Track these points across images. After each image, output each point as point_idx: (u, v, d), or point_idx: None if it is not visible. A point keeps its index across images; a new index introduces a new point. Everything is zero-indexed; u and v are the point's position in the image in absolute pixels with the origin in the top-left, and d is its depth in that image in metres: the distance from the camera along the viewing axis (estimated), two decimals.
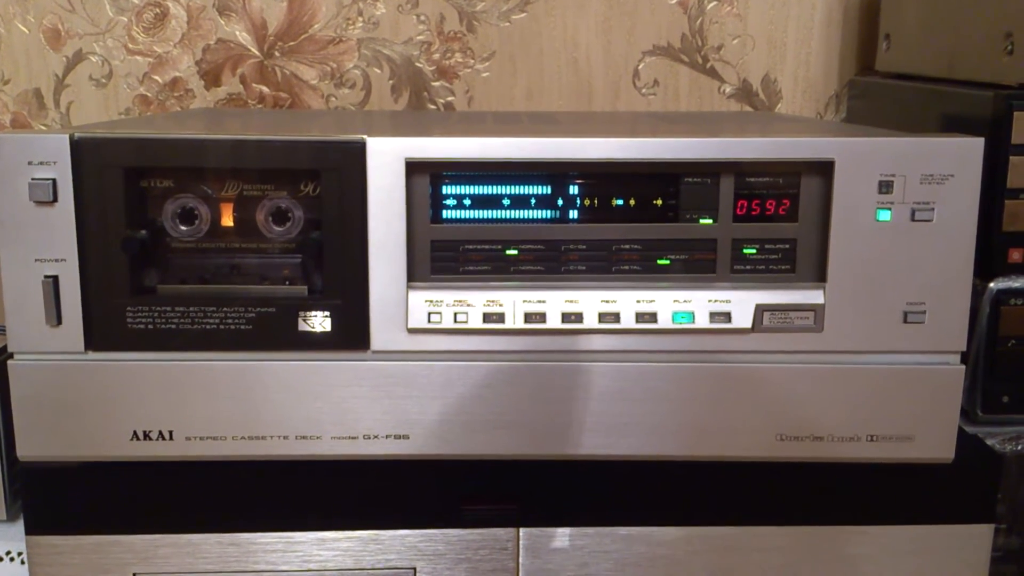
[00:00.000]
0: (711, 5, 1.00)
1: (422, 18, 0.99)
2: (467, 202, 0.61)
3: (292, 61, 1.00)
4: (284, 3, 0.99)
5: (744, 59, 1.01)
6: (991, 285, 0.69)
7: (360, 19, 0.99)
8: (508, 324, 0.61)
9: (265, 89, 1.01)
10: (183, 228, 0.61)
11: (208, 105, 1.01)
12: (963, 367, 0.62)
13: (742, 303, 0.61)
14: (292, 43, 1.00)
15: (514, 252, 0.62)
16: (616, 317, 0.61)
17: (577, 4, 1.00)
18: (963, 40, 0.78)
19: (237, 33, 0.99)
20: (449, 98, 1.02)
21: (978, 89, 0.72)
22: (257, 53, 1.00)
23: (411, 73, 1.01)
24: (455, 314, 0.61)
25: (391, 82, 1.01)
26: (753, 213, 0.61)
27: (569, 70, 1.01)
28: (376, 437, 0.62)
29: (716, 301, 0.61)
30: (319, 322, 0.61)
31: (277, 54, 1.00)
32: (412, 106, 1.02)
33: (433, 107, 1.02)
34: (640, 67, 1.01)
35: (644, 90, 1.02)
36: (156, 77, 1.00)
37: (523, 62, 1.01)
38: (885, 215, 0.59)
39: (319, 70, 1.00)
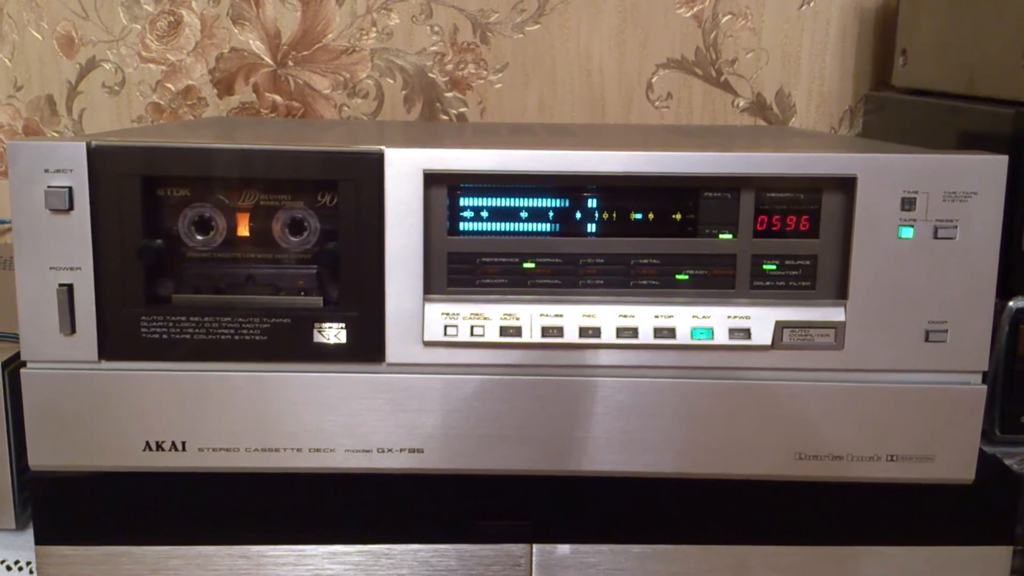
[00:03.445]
0: (725, 19, 1.00)
1: (436, 29, 0.99)
2: (485, 214, 0.61)
3: (305, 71, 1.00)
4: (298, 13, 0.98)
5: (758, 73, 1.01)
6: (1010, 304, 0.68)
7: (374, 29, 0.99)
8: (525, 338, 0.60)
9: (278, 98, 1.01)
10: (199, 238, 0.61)
11: (220, 114, 1.01)
12: (985, 387, 0.61)
13: (762, 320, 0.60)
14: (306, 52, 0.99)
15: (531, 265, 0.61)
16: (634, 332, 0.60)
17: (591, 17, 0.99)
18: (982, 56, 0.78)
19: (251, 42, 0.99)
20: (462, 109, 1.01)
21: (998, 106, 0.72)
22: (270, 62, 1.00)
23: (424, 84, 1.00)
24: (472, 327, 0.60)
25: (404, 92, 1.00)
26: (773, 229, 0.61)
27: (582, 82, 1.01)
28: (390, 451, 0.62)
29: (735, 317, 0.60)
30: (334, 334, 0.60)
31: (290, 63, 1.00)
32: (424, 117, 1.01)
33: (445, 118, 1.01)
34: (653, 80, 1.01)
35: (657, 103, 1.01)
36: (169, 85, 1.00)
37: (536, 74, 1.01)
38: (908, 232, 0.59)
39: (332, 80, 1.00)
